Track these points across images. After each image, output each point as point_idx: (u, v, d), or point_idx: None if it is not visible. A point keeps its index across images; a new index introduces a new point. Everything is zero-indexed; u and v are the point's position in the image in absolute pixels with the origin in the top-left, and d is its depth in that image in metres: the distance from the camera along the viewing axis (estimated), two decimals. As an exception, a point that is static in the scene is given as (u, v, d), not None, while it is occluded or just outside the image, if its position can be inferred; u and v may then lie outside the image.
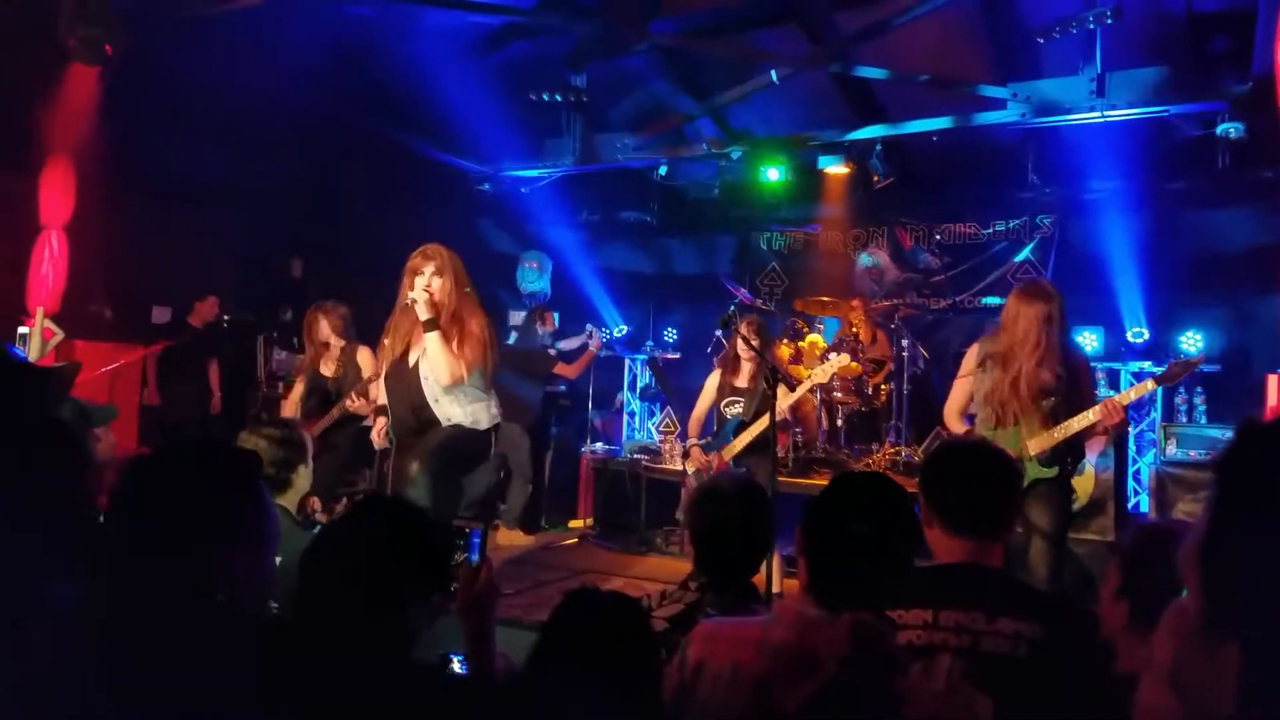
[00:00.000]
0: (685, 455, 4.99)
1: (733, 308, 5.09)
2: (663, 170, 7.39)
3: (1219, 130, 5.36)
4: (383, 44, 6.02)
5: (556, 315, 7.08)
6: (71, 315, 5.32)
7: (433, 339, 3.68)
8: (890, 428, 6.47)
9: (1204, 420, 5.99)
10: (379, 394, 4.12)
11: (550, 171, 7.58)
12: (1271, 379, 3.61)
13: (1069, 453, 3.59)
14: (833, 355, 5.16)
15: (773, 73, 6.16)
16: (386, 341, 3.90)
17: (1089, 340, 6.72)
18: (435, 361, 3.70)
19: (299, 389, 5.04)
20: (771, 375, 3.77)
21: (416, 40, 6.11)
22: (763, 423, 4.47)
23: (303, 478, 2.89)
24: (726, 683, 1.65)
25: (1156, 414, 6.22)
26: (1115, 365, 6.40)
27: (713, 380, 5.02)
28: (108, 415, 3.97)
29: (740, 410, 4.78)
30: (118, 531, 1.34)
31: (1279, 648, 0.62)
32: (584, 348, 6.85)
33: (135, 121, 5.47)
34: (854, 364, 6.63)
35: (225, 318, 6.46)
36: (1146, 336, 6.57)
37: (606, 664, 1.56)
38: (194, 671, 1.20)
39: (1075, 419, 3.49)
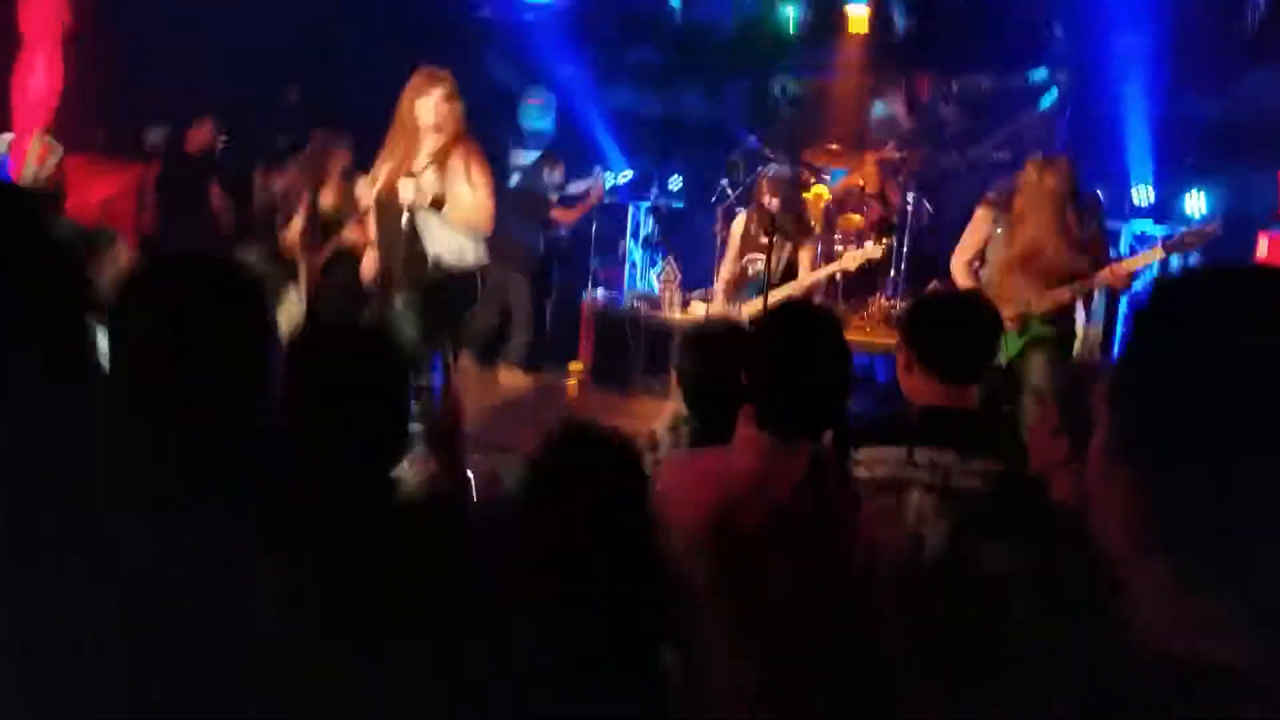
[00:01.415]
0: (684, 306, 4.94)
1: (738, 155, 4.96)
2: (676, 3, 7.02)
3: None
4: None
5: (565, 165, 6.92)
6: (63, 131, 5.17)
7: (455, 173, 3.54)
8: (888, 281, 6.50)
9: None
10: (371, 226, 3.94)
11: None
12: (1263, 238, 3.63)
13: (1063, 314, 3.70)
14: (868, 243, 4.99)
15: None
16: (380, 167, 3.71)
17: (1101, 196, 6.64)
18: (460, 199, 3.54)
19: (299, 218, 4.99)
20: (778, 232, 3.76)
21: None
22: (786, 289, 4.48)
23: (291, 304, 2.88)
24: (690, 512, 1.73)
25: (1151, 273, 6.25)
26: (1118, 224, 6.36)
27: (738, 228, 4.84)
28: (109, 239, 3.97)
29: (762, 267, 4.59)
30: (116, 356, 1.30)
31: (1169, 477, 0.68)
32: (585, 194, 6.74)
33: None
34: (857, 217, 6.59)
35: (223, 140, 6.28)
36: (1152, 197, 6.50)
37: (596, 496, 1.55)
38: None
39: (1080, 283, 3.56)
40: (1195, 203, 6.34)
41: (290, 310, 2.94)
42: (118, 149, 6.36)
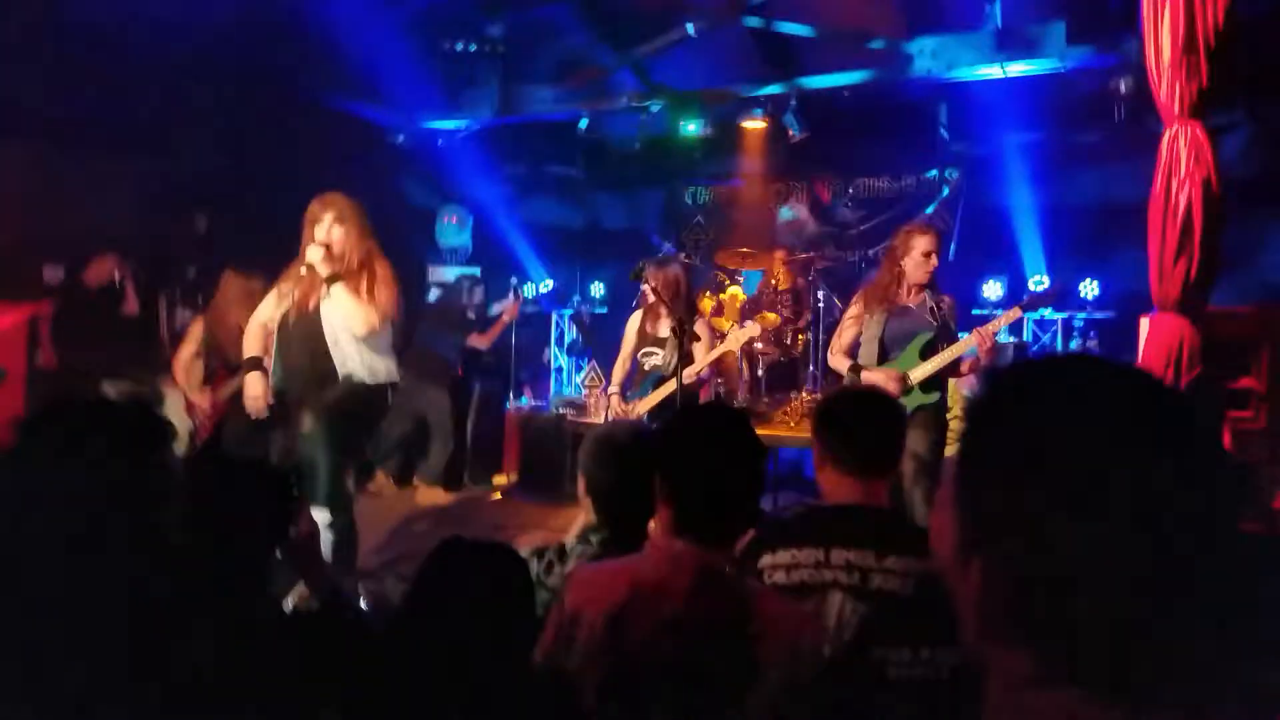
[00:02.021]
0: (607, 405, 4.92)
1: (642, 262, 5.06)
2: (584, 123, 7.33)
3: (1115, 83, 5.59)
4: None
5: (470, 269, 6.96)
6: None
7: (339, 290, 3.55)
8: (808, 375, 6.64)
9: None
10: (249, 346, 3.84)
11: (468, 123, 7.43)
12: (1143, 320, 3.84)
13: (940, 383, 3.94)
14: (748, 323, 5.16)
15: (689, 25, 6.13)
16: (284, 289, 3.72)
17: (994, 289, 6.97)
18: (346, 312, 3.56)
19: (191, 347, 4.86)
20: (680, 328, 3.81)
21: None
22: (674, 383, 4.36)
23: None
24: (589, 621, 1.67)
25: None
26: (1019, 313, 6.65)
27: (632, 325, 4.85)
28: (-1, 376, 3.79)
29: (658, 361, 4.66)
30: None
31: (1008, 564, 0.70)
32: (499, 315, 6.71)
33: (27, 61, 5.12)
34: (773, 315, 6.77)
35: (121, 277, 6.14)
36: (1047, 284, 6.85)
37: (474, 611, 1.55)
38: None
39: (952, 347, 3.84)
40: (1089, 288, 6.70)
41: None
42: (10, 288, 6.15)
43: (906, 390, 3.86)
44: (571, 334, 8.18)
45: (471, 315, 6.63)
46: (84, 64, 5.53)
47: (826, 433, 2.14)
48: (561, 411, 6.60)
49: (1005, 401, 0.74)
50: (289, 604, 1.85)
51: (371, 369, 3.69)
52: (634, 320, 4.86)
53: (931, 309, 3.94)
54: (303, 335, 3.67)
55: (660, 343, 4.68)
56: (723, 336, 6.31)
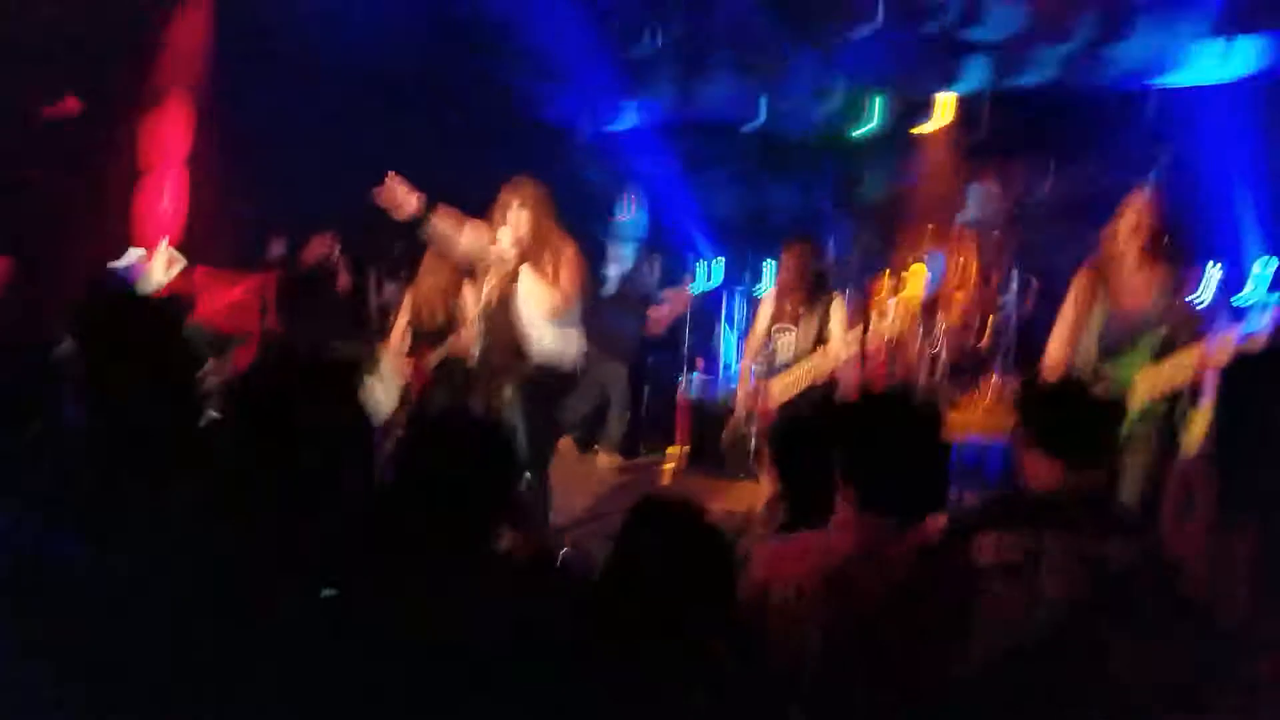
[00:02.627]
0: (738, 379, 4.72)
1: (830, 239, 4.94)
2: (761, 116, 7.26)
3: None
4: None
5: (660, 260, 7.13)
6: (192, 246, 5.61)
7: (525, 271, 3.77)
8: (996, 362, 6.31)
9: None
10: (470, 334, 4.17)
11: (649, 114, 7.55)
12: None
13: (1177, 392, 3.31)
14: (890, 304, 4.62)
15: (877, 19, 5.93)
16: (480, 277, 3.98)
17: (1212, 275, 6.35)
18: (534, 294, 3.79)
19: (404, 318, 5.24)
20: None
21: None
22: (809, 374, 4.24)
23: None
24: (794, 596, 1.72)
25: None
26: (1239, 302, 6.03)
27: (768, 298, 4.62)
28: (234, 341, 4.28)
29: (790, 340, 4.38)
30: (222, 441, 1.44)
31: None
32: (674, 299, 6.86)
33: (249, 61, 5.66)
34: (959, 296, 6.48)
35: (336, 251, 6.70)
36: (1274, 268, 6.17)
37: (676, 578, 1.60)
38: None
39: (1175, 361, 3.22)
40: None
41: (383, 409, 3.11)
42: (243, 261, 6.86)
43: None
44: (743, 312, 8.16)
45: (651, 294, 6.79)
46: (301, 60, 6.02)
47: (1035, 417, 2.07)
48: (731, 389, 6.62)
49: (1261, 381, 0.72)
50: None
51: (562, 348, 3.92)
52: (767, 299, 4.63)
53: (1169, 297, 3.30)
54: (500, 314, 3.93)
55: (794, 319, 4.41)
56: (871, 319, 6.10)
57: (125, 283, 5.12)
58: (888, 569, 1.66)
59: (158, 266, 5.15)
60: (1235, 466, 0.71)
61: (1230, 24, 5.07)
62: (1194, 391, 3.38)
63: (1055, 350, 3.59)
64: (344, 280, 6.49)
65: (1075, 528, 1.85)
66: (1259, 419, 0.71)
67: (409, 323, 5.18)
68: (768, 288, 7.89)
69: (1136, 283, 3.33)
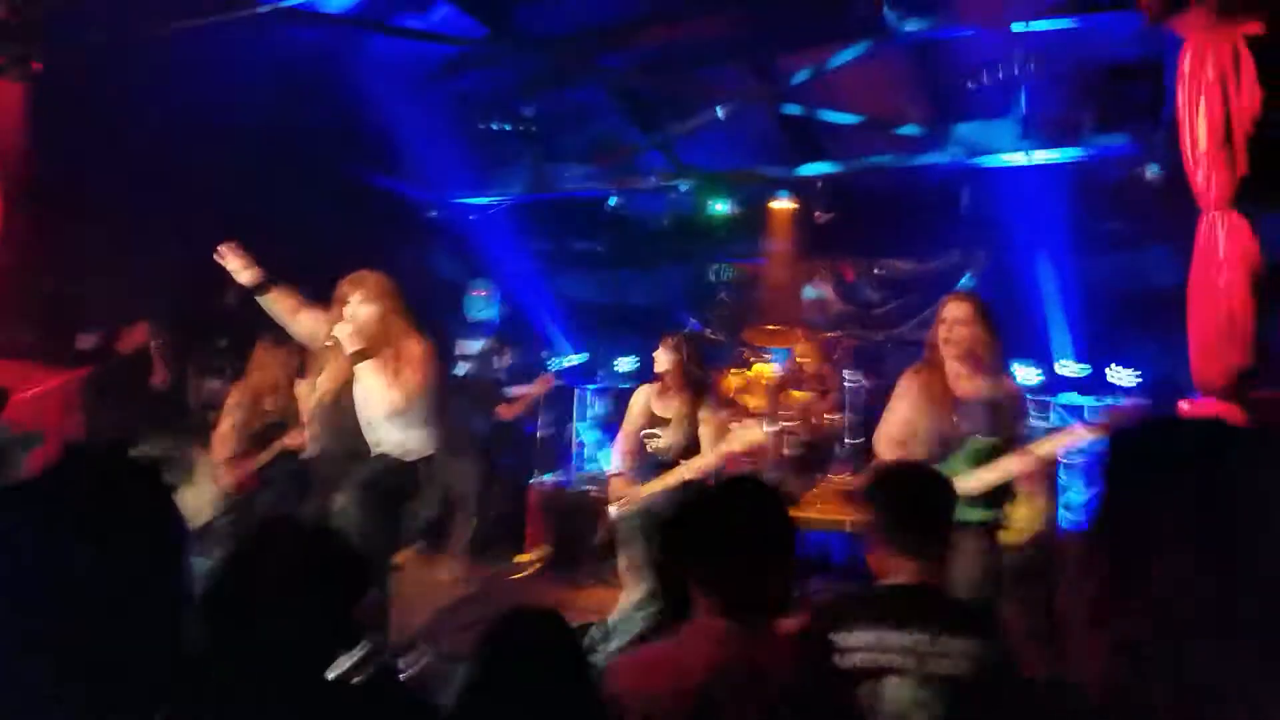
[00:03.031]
0: (605, 484, 4.55)
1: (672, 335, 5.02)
2: (613, 201, 7.47)
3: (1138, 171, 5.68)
4: (332, 70, 5.97)
5: (514, 350, 7.01)
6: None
7: (364, 369, 3.56)
8: (837, 456, 6.56)
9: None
10: (304, 433, 3.99)
11: (500, 199, 7.59)
12: (1184, 406, 3.74)
13: (999, 496, 3.32)
14: (742, 423, 4.43)
15: (719, 109, 6.29)
16: (315, 372, 3.79)
17: (1024, 374, 6.93)
18: (369, 392, 3.58)
19: (229, 419, 4.87)
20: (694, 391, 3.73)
21: (367, 68, 6.08)
22: (679, 473, 4.08)
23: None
24: (652, 710, 1.64)
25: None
26: (1046, 398, 6.59)
27: (638, 399, 4.42)
28: (33, 441, 3.83)
29: (661, 444, 4.26)
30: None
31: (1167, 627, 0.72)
32: (528, 393, 6.70)
33: (69, 140, 5.31)
34: (800, 394, 6.74)
35: (155, 343, 6.23)
36: (1076, 369, 6.80)
37: (537, 691, 1.55)
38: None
39: (992, 469, 3.23)
40: (1117, 375, 6.62)
41: (199, 505, 2.84)
42: (48, 353, 6.24)
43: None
44: (595, 409, 8.16)
45: (502, 385, 6.65)
46: (117, 140, 5.70)
47: (877, 512, 2.11)
48: (585, 489, 6.52)
49: (1137, 462, 0.76)
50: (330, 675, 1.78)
51: (404, 444, 3.69)
52: (640, 394, 4.45)
53: (990, 403, 3.34)
54: (336, 412, 3.71)
55: (664, 423, 4.28)
56: (741, 414, 6.25)
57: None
58: (764, 685, 1.60)
59: None
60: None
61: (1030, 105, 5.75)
62: (1008, 497, 3.52)
63: (878, 445, 3.64)
64: (161, 375, 6.00)
65: (916, 627, 1.87)
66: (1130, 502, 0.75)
67: (234, 423, 4.83)
68: (620, 382, 7.98)
69: (958, 387, 3.39)
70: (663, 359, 4.27)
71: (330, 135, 6.52)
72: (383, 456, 3.67)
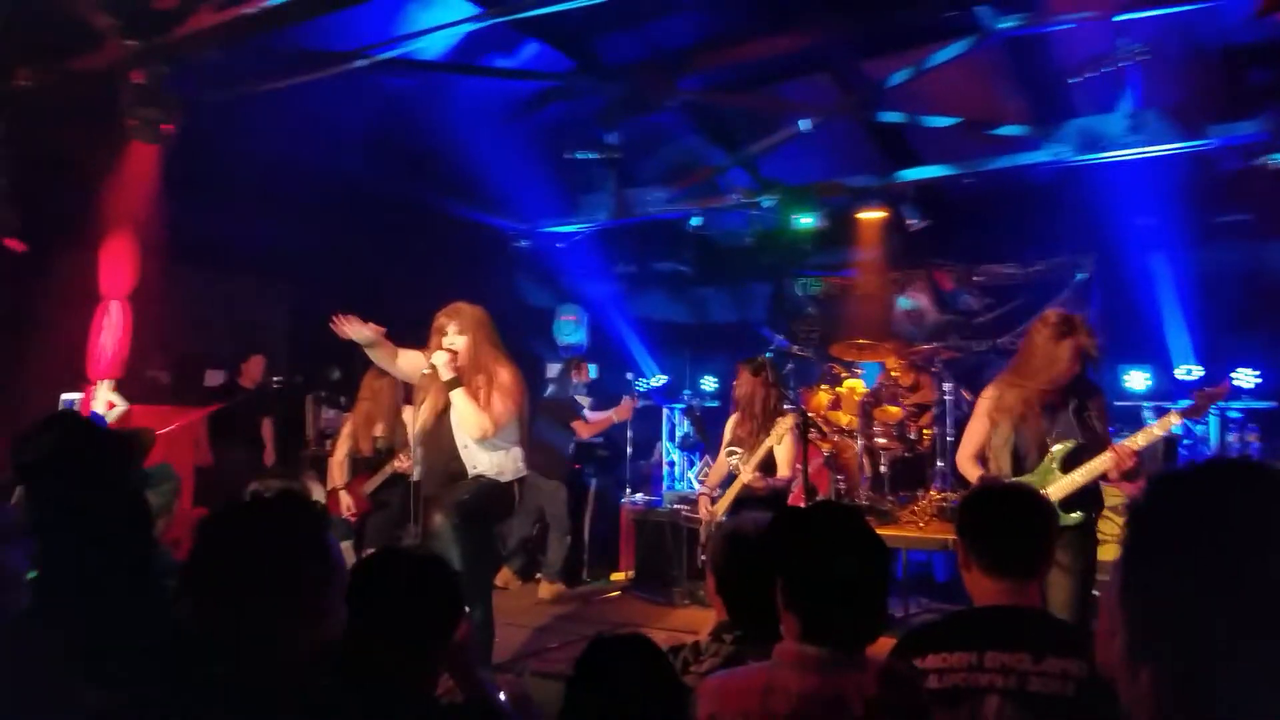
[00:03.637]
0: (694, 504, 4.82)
1: (768, 354, 5.07)
2: (695, 221, 7.52)
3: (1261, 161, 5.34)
4: (423, 112, 6.24)
5: (593, 367, 7.12)
6: (129, 381, 5.51)
7: (458, 396, 3.77)
8: (935, 473, 6.37)
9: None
10: (410, 457, 4.18)
11: (585, 226, 7.74)
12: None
13: (1091, 500, 3.44)
14: (780, 421, 4.41)
15: (801, 122, 6.26)
16: (419, 400, 3.97)
17: (1138, 379, 6.58)
18: (462, 417, 3.78)
19: (344, 448, 5.13)
20: (802, 420, 3.74)
21: (456, 107, 6.33)
22: (740, 480, 4.38)
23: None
24: None
25: (1210, 453, 6.05)
26: (1166, 404, 6.25)
27: (730, 424, 4.79)
28: (166, 475, 4.12)
29: (737, 461, 4.54)
30: (192, 590, 1.37)
31: (1185, 673, 0.72)
32: (609, 415, 6.82)
33: (191, 195, 5.70)
34: (894, 409, 6.59)
35: (275, 379, 6.63)
36: (1197, 374, 6.42)
37: (629, 713, 1.58)
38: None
39: (1086, 467, 3.34)
40: (1244, 379, 6.22)
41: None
42: (179, 393, 6.72)
43: None
44: (683, 428, 8.19)
45: (578, 404, 6.76)
46: (243, 196, 6.09)
47: (973, 535, 2.06)
48: (675, 508, 6.54)
49: (1169, 509, 0.76)
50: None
51: (498, 467, 3.88)
52: (732, 420, 4.78)
53: (1075, 410, 3.42)
54: (435, 436, 3.90)
55: (741, 442, 4.59)
56: (825, 435, 6.17)
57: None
58: (841, 713, 1.59)
59: (99, 409, 4.99)
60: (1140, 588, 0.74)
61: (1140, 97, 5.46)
62: (1098, 501, 3.49)
63: (961, 464, 3.68)
64: (272, 408, 6.39)
65: (1015, 647, 1.83)
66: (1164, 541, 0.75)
67: (348, 451, 5.09)
68: (706, 401, 8.00)
69: (1050, 396, 3.42)
70: (738, 384, 4.56)
71: (423, 174, 6.81)
72: (478, 479, 3.83)
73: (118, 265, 5.29)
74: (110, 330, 5.23)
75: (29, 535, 1.77)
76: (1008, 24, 5.19)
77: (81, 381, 5.27)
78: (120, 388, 5.33)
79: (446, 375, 3.77)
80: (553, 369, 7.58)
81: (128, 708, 1.24)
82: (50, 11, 4.66)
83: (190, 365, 6.97)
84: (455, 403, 3.79)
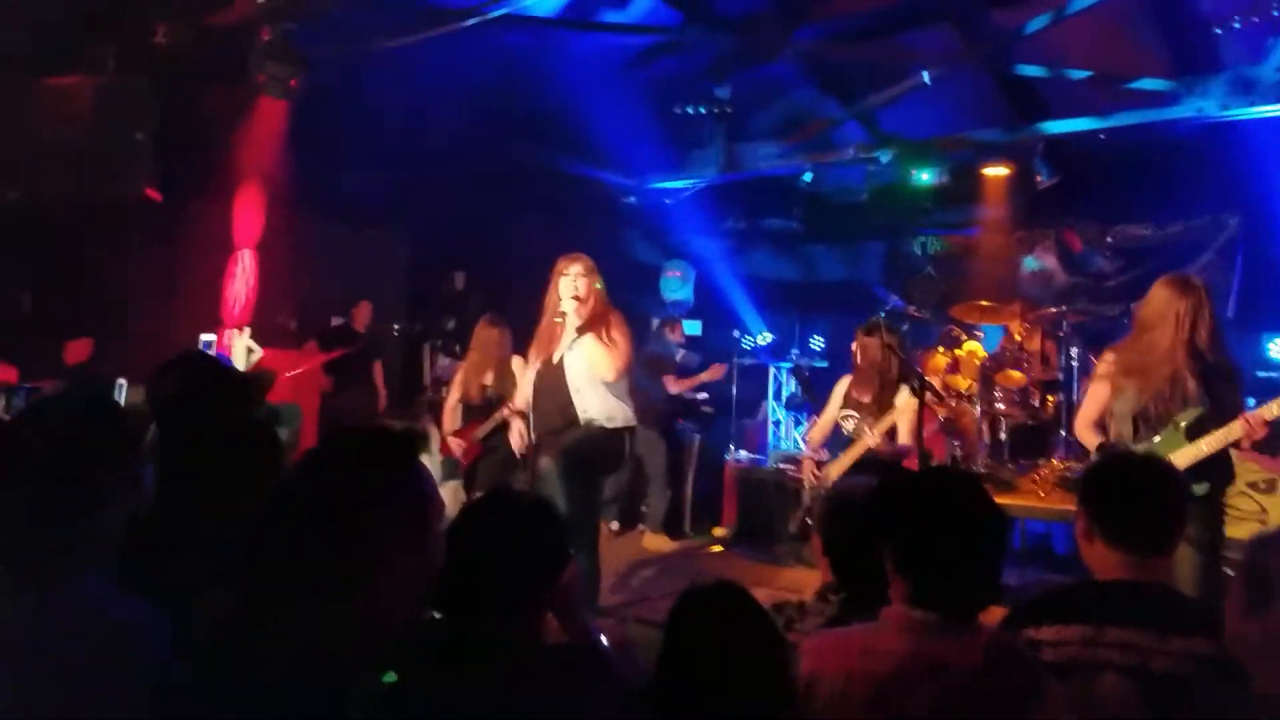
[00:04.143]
0: (799, 464, 4.80)
1: (882, 315, 4.94)
2: (808, 177, 7.32)
3: None
4: (536, 68, 6.28)
5: (690, 324, 7.10)
6: (260, 327, 5.84)
7: (587, 340, 3.83)
8: (1059, 441, 6.08)
9: None
10: (521, 400, 4.28)
11: (694, 182, 7.66)
12: None
13: (1219, 471, 3.25)
14: (903, 390, 4.29)
15: (924, 74, 5.97)
16: (534, 346, 4.05)
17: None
18: (594, 358, 3.82)
19: (456, 394, 5.31)
20: (919, 385, 3.63)
21: (568, 63, 6.33)
22: (862, 445, 4.33)
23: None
24: (841, 692, 1.64)
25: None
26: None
27: (840, 387, 4.73)
28: (295, 415, 4.37)
29: (852, 427, 4.49)
30: (272, 529, 1.36)
31: None
32: (700, 371, 6.84)
33: (316, 149, 5.96)
34: (1017, 374, 6.31)
35: (395, 326, 6.90)
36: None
37: (727, 662, 1.59)
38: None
39: (1214, 435, 3.17)
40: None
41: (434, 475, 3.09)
42: (304, 337, 7.10)
43: None
44: (790, 387, 8.08)
45: (677, 355, 6.77)
46: (364, 150, 6.30)
47: (1099, 504, 1.96)
48: (780, 466, 6.50)
49: None
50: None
51: (609, 414, 3.92)
52: (842, 383, 4.72)
53: (1204, 374, 3.24)
54: (550, 383, 3.96)
55: (860, 407, 4.52)
56: (942, 400, 5.97)
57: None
58: (942, 678, 1.55)
59: (238, 355, 5.34)
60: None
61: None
62: (1226, 471, 3.26)
63: (1079, 431, 3.55)
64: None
65: (1138, 623, 1.73)
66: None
67: (460, 398, 5.26)
68: (815, 361, 7.85)
69: (1175, 361, 3.24)
70: (858, 347, 4.47)
71: (535, 129, 6.88)
72: (589, 424, 3.89)
73: (248, 216, 5.57)
74: (242, 278, 5.53)
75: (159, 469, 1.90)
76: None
77: (216, 325, 5.61)
78: (254, 333, 5.66)
79: (577, 320, 3.83)
80: (654, 324, 7.61)
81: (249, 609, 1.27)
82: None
83: (314, 312, 7.33)
84: (584, 346, 3.83)
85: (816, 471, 4.60)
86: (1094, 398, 3.50)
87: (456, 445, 5.11)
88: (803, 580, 5.36)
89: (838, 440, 4.66)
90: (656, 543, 6.18)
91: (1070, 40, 5.66)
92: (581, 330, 3.83)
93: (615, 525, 6.49)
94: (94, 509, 1.45)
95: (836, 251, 8.91)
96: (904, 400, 4.26)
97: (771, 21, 6.05)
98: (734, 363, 7.27)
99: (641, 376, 6.41)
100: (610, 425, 3.92)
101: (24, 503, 1.40)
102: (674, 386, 6.67)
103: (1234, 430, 3.15)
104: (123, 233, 5.88)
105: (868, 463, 4.27)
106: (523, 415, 4.19)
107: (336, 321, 7.32)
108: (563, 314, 3.86)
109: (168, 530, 1.79)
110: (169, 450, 1.97)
